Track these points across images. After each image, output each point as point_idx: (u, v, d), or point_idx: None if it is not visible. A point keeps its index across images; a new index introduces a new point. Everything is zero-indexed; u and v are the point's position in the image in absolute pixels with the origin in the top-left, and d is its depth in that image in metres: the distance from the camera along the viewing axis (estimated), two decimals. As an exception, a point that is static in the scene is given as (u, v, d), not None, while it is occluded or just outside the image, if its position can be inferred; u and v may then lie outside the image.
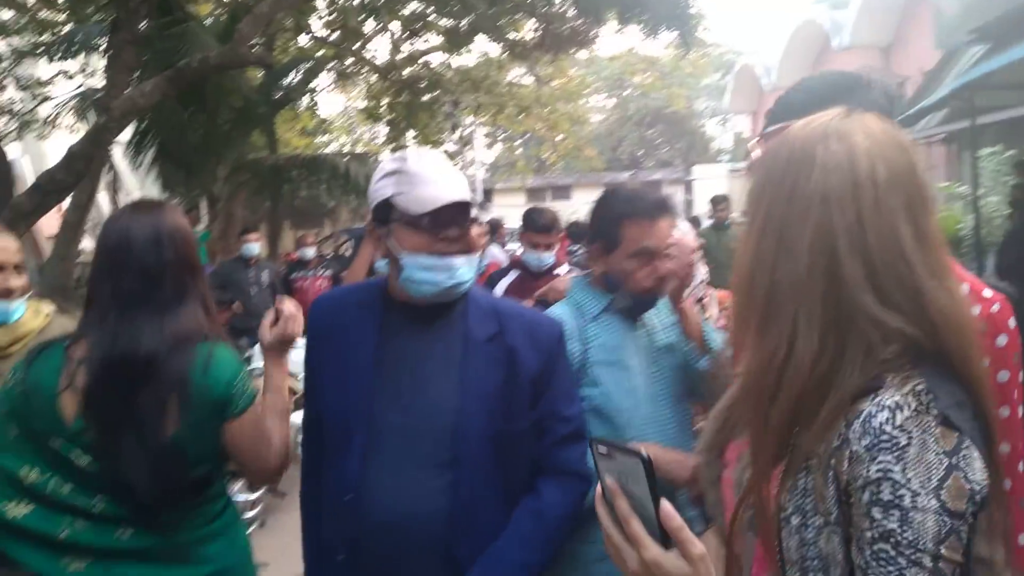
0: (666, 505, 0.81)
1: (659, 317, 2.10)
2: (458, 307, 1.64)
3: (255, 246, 6.82)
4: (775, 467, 0.93)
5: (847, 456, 0.84)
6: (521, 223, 3.85)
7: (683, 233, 2.04)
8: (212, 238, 12.11)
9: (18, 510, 1.53)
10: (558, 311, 2.03)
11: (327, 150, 22.64)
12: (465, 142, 21.45)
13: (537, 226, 3.72)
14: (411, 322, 1.62)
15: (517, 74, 18.20)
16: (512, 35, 12.24)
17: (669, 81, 28.66)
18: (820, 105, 1.03)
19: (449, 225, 1.55)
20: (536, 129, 18.22)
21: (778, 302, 0.91)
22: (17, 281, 2.03)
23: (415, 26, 12.94)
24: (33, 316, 2.12)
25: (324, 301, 1.77)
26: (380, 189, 1.61)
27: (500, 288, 3.79)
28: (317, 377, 1.69)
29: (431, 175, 1.55)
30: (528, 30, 12.67)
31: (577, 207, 33.40)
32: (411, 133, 15.83)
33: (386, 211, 1.60)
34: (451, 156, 18.71)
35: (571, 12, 11.23)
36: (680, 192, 33.34)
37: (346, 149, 21.72)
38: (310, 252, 7.14)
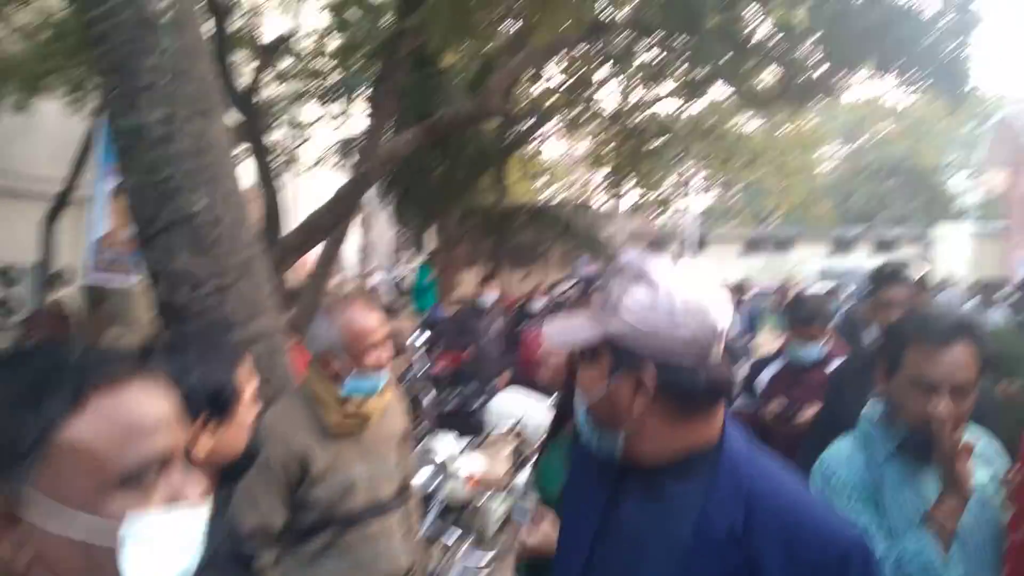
0: None
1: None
2: (701, 475, 1.19)
3: (492, 295, 7.01)
4: None
5: None
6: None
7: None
8: (437, 275, 12.77)
9: None
10: (844, 447, 1.74)
11: (546, 193, 23.33)
12: (682, 189, 21.10)
13: (799, 317, 3.40)
14: (644, 488, 1.24)
15: (747, 122, 17.63)
16: (752, 83, 11.81)
17: (917, 133, 26.41)
18: None
19: None
20: (763, 179, 17.44)
21: None
22: (387, 354, 2.15)
23: (650, 73, 12.88)
24: (387, 387, 2.24)
25: (580, 448, 1.45)
26: None
27: (763, 378, 3.47)
28: (561, 533, 1.46)
29: None
30: (769, 77, 12.17)
31: (798, 260, 31.85)
32: (631, 180, 15.78)
33: None
34: (665, 202, 18.46)
35: (820, 59, 10.60)
36: (918, 252, 30.54)
37: (563, 194, 22.16)
38: (538, 305, 7.21)
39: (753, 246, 30.70)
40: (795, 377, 3.32)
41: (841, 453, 1.74)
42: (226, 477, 1.45)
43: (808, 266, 31.15)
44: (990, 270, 26.31)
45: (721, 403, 1.21)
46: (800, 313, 3.34)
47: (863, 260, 30.44)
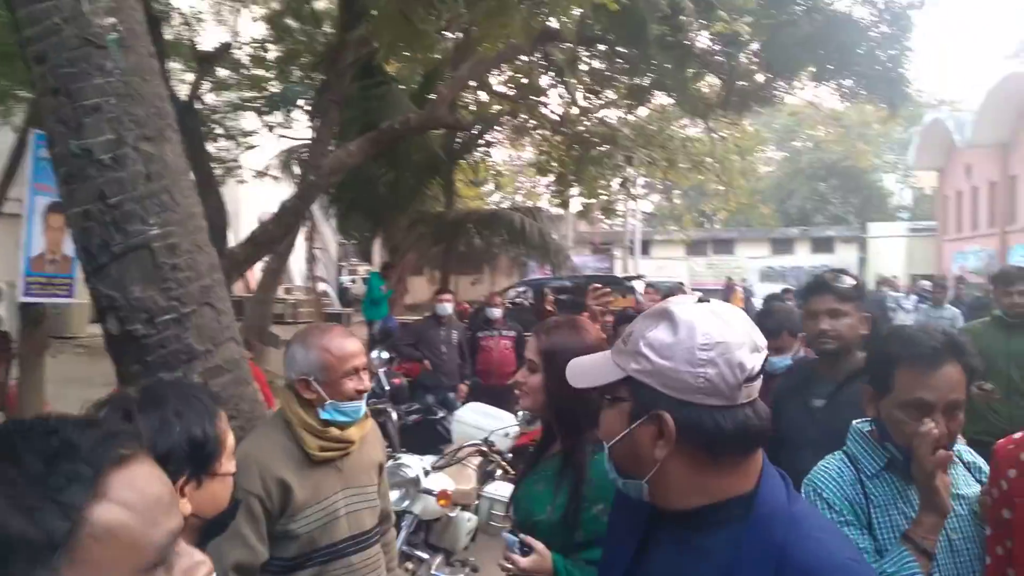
0: None
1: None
2: (732, 528, 1.09)
3: (448, 306, 6.93)
4: None
5: None
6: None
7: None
8: (390, 285, 12.65)
9: None
10: (833, 464, 1.74)
11: (491, 200, 23.34)
12: (626, 194, 21.34)
13: (767, 327, 3.40)
14: (675, 536, 1.16)
15: (689, 127, 17.93)
16: (695, 92, 12.02)
17: (852, 136, 27.28)
18: None
19: None
20: (706, 182, 17.77)
21: None
22: (366, 380, 2.09)
23: (596, 83, 13.00)
24: (366, 415, 2.18)
25: (617, 495, 1.38)
26: None
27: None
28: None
29: None
30: (711, 87, 12.42)
31: (741, 262, 32.56)
32: (576, 186, 15.90)
33: None
34: (609, 209, 18.67)
35: (760, 70, 10.87)
36: (854, 251, 31.50)
37: (507, 203, 22.18)
38: (496, 312, 7.14)
39: (697, 248, 31.24)
40: (765, 388, 3.33)
41: (830, 470, 1.72)
42: (208, 533, 1.37)
43: (751, 266, 31.98)
44: (923, 267, 27.38)
45: (755, 450, 1.12)
46: (767, 324, 3.34)
47: (803, 259, 31.36)
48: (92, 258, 1.99)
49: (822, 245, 31.78)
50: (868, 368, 1.76)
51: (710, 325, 1.08)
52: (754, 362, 1.08)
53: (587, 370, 1.20)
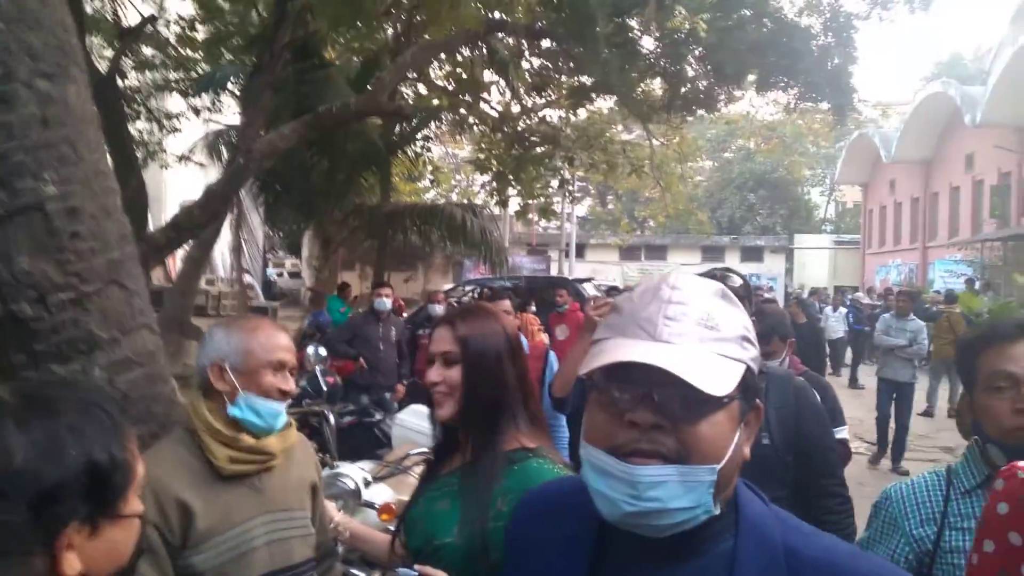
0: None
1: None
2: (719, 543, 0.92)
3: (387, 301, 6.56)
4: None
5: None
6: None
7: None
8: (319, 278, 12.15)
9: None
10: (926, 477, 1.64)
11: (429, 195, 22.90)
12: (564, 196, 21.27)
13: (757, 332, 3.20)
14: (637, 563, 0.94)
15: (628, 132, 17.96)
16: (639, 95, 11.95)
17: (782, 148, 27.98)
18: None
19: (637, 402, 0.88)
20: (642, 187, 17.84)
21: None
22: (291, 383, 1.74)
23: (538, 81, 12.80)
24: (289, 425, 1.81)
25: (529, 503, 1.17)
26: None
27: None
28: None
29: (640, 312, 0.92)
30: (655, 90, 12.38)
31: (672, 268, 32.96)
32: (513, 186, 15.70)
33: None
34: (547, 211, 18.55)
35: (705, 75, 10.86)
36: (782, 260, 32.30)
37: (448, 197, 21.82)
38: (439, 308, 6.85)
39: (630, 253, 31.49)
40: None
41: (916, 483, 1.65)
42: None
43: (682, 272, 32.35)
44: (847, 278, 28.27)
45: None
46: (758, 328, 3.10)
47: (734, 267, 31.98)
48: (-32, 221, 1.59)
49: (752, 254, 32.49)
50: (959, 369, 1.69)
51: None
52: None
53: (714, 374, 0.87)
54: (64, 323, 1.62)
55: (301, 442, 1.88)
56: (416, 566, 1.41)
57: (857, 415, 10.57)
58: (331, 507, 1.97)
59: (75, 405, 0.98)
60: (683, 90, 11.28)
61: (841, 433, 3.12)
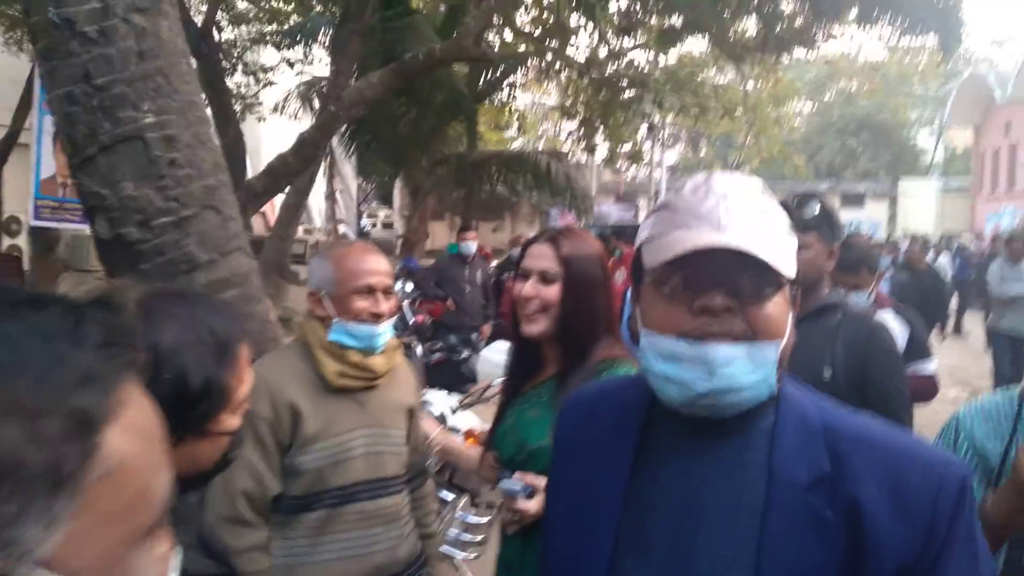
0: None
1: None
2: (761, 420, 0.97)
3: (472, 244, 6.66)
4: None
5: None
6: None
7: None
8: (409, 227, 12.39)
9: None
10: (998, 397, 1.58)
11: (514, 145, 22.85)
12: (653, 142, 20.82)
13: (840, 263, 3.07)
14: (683, 442, 1.01)
15: (720, 74, 17.32)
16: (732, 34, 11.47)
17: (885, 89, 26.39)
18: None
19: (709, 287, 0.92)
20: (735, 131, 17.25)
21: None
22: (386, 305, 1.82)
23: (626, 23, 12.45)
24: (395, 346, 1.91)
25: (575, 403, 1.21)
26: (640, 233, 1.04)
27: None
28: (554, 505, 1.20)
29: (698, 206, 0.94)
30: (749, 29, 11.85)
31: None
32: (601, 132, 15.46)
33: (638, 268, 1.02)
34: (636, 156, 18.20)
35: (801, 11, 10.30)
36: (884, 207, 30.77)
37: (535, 145, 21.69)
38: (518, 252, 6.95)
39: (721, 201, 30.62)
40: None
41: (986, 402, 1.61)
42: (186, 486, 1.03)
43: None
44: (955, 225, 26.72)
45: None
46: (848, 258, 2.99)
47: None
48: (78, 149, 1.71)
49: (852, 200, 31.00)
50: None
51: None
52: None
53: (779, 254, 0.92)
54: (166, 245, 1.74)
55: (404, 367, 1.98)
56: (517, 473, 1.50)
57: (962, 363, 10.13)
58: (429, 424, 2.08)
59: (181, 323, 0.98)
60: (778, 28, 10.74)
61: (928, 367, 3.01)
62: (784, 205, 2.45)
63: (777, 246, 0.92)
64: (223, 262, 1.84)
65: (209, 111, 7.76)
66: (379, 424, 1.85)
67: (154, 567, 0.48)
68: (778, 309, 0.93)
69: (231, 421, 1.04)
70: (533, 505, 1.49)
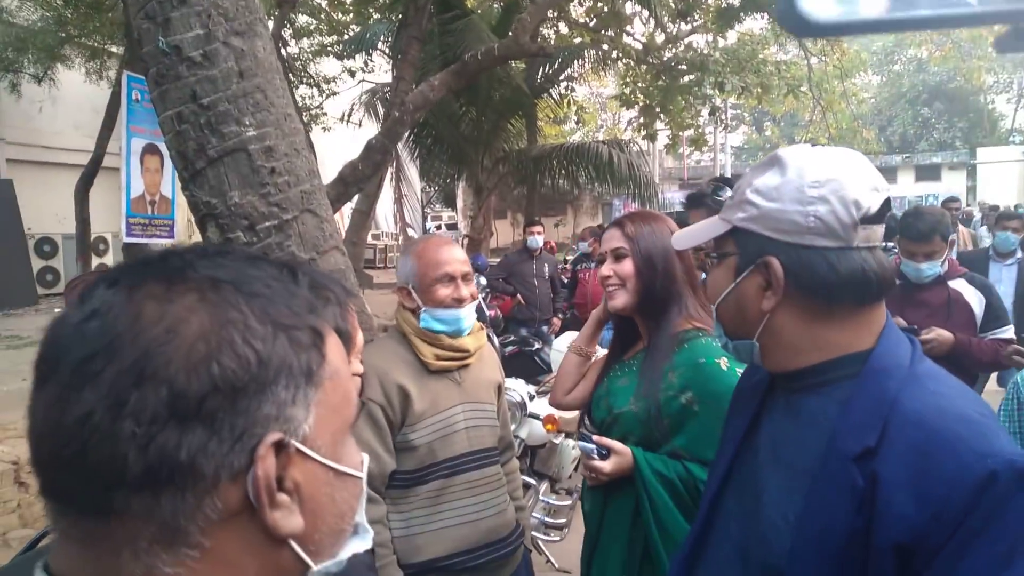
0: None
1: None
2: (838, 390, 1.02)
3: (539, 239, 6.76)
4: None
5: None
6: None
7: None
8: (474, 226, 12.55)
9: None
10: None
11: (575, 137, 22.84)
12: (716, 125, 20.47)
13: (912, 233, 3.05)
14: (785, 402, 1.11)
15: (783, 51, 16.94)
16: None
17: (958, 55, 25.22)
18: None
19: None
20: (801, 109, 16.82)
21: None
22: (467, 290, 1.98)
23: (682, 6, 12.32)
24: (480, 327, 2.08)
25: (743, 376, 1.33)
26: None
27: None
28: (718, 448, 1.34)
29: None
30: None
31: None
32: (661, 118, 15.30)
33: None
34: (698, 141, 17.95)
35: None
36: (962, 178, 29.52)
37: (595, 136, 21.63)
38: (584, 245, 7.05)
39: (789, 181, 29.82)
40: (911, 296, 3.02)
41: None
42: None
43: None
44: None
45: (874, 302, 1.02)
46: (918, 227, 2.98)
47: (907, 189, 29.59)
48: (188, 164, 1.88)
49: (927, 173, 29.85)
50: None
51: (822, 163, 1.01)
52: (872, 201, 0.99)
53: (693, 232, 1.15)
54: (271, 247, 1.89)
55: (489, 348, 2.14)
56: (595, 437, 1.65)
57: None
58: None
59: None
60: None
61: (1007, 332, 2.97)
62: (695, 192, 2.61)
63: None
64: (322, 260, 1.99)
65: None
66: (476, 399, 2.00)
67: (356, 453, 0.62)
68: (713, 279, 1.13)
69: (357, 363, 1.27)
70: (607, 465, 1.66)
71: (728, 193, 2.40)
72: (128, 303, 0.51)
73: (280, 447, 0.52)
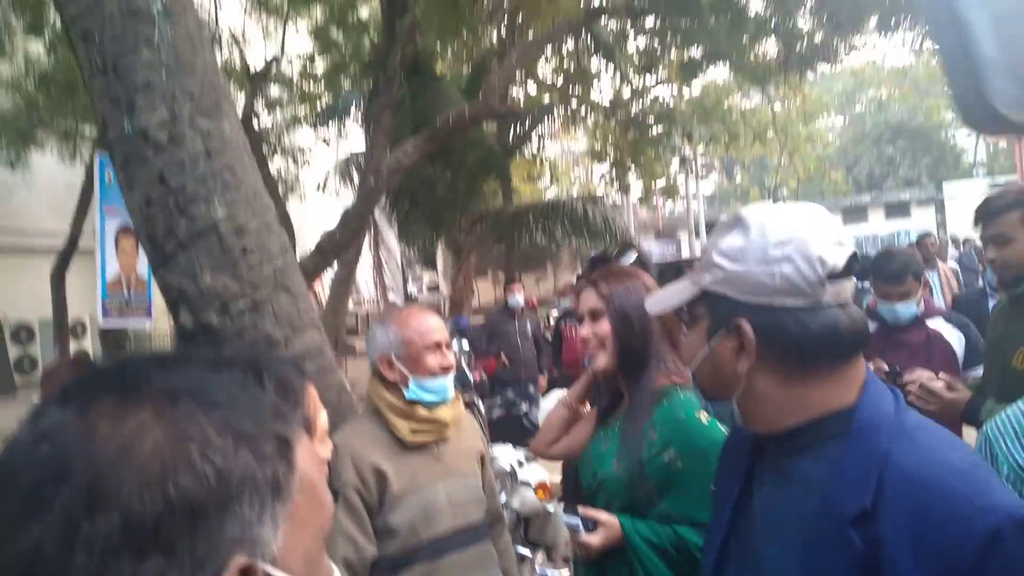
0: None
1: None
2: (830, 448, 1.00)
3: (520, 297, 6.74)
4: None
5: None
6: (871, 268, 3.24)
7: None
8: (454, 287, 12.54)
9: None
10: (1018, 409, 1.44)
11: (550, 193, 23.08)
12: (687, 175, 20.79)
13: (884, 274, 3.08)
14: (774, 466, 1.08)
15: (747, 98, 17.36)
16: (752, 59, 11.54)
17: (917, 92, 26.05)
18: None
19: None
20: (769, 154, 17.18)
21: None
22: (450, 357, 1.95)
23: (646, 61, 12.64)
24: (455, 398, 2.02)
25: (729, 437, 1.31)
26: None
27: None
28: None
29: None
30: (769, 51, 11.91)
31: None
32: (633, 171, 15.54)
33: None
34: (671, 190, 18.20)
35: (820, 27, 10.34)
36: (931, 213, 30.08)
37: (569, 192, 21.87)
38: (566, 301, 7.04)
39: (762, 225, 30.24)
40: (890, 338, 3.01)
41: (1011, 419, 1.45)
42: None
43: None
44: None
45: (851, 358, 1.00)
46: (890, 267, 3.00)
47: (878, 227, 30.06)
48: (158, 248, 1.84)
49: (897, 210, 30.37)
50: None
51: (784, 222, 1.00)
52: (836, 256, 0.98)
53: (663, 297, 1.15)
54: (245, 327, 1.85)
55: (467, 416, 2.08)
56: (580, 509, 1.57)
57: None
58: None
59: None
60: (799, 47, 10.79)
61: (979, 371, 2.97)
62: (605, 255, 2.72)
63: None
64: (297, 338, 1.94)
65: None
66: (458, 472, 1.94)
67: (330, 569, 0.58)
68: (687, 344, 1.15)
69: (323, 448, 1.19)
70: (595, 539, 1.59)
71: (633, 257, 2.45)
72: (79, 423, 0.48)
73: (246, 574, 0.48)
